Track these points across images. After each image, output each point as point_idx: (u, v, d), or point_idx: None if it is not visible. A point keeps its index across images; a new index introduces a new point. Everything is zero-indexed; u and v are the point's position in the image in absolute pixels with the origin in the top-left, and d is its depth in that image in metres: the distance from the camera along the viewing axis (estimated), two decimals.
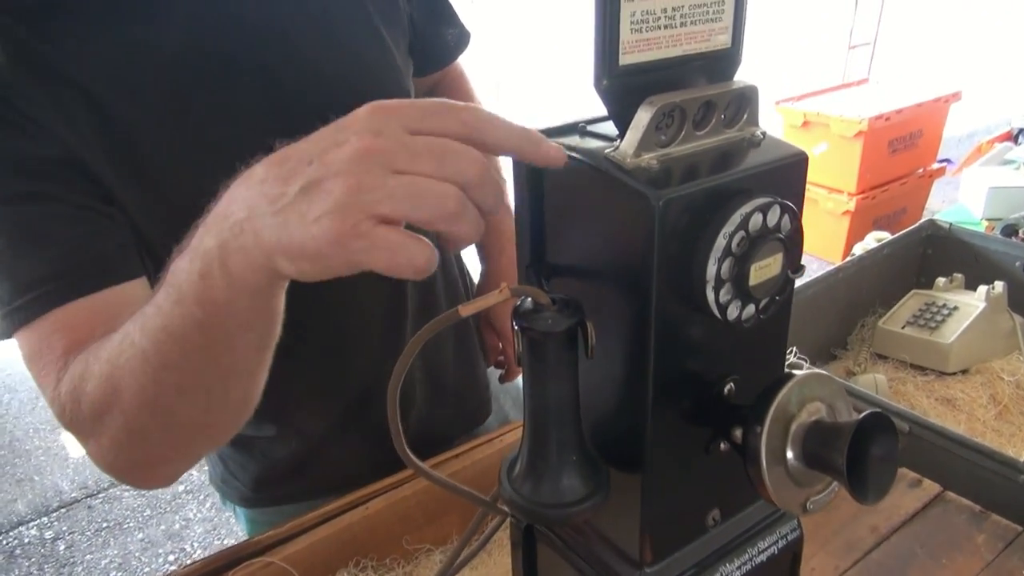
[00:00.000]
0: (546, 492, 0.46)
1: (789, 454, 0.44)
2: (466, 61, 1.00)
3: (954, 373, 1.14)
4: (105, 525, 2.32)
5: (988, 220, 1.83)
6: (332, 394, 0.84)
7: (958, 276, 1.27)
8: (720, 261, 0.42)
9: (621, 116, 0.43)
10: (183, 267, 0.46)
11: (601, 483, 0.47)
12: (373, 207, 0.38)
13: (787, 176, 0.46)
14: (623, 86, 0.42)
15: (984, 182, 1.89)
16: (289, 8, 0.72)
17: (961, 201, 2.00)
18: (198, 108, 0.67)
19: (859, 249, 1.73)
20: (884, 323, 1.23)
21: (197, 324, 0.47)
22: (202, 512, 2.34)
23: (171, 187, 0.67)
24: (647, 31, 0.42)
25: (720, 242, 0.42)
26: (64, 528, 2.32)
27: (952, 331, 1.15)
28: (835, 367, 1.24)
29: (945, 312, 1.19)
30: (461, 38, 0.95)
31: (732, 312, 0.44)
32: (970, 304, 1.18)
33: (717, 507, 0.52)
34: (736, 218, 0.42)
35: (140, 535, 2.28)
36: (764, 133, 0.47)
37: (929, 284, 1.32)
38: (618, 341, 0.46)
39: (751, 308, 0.45)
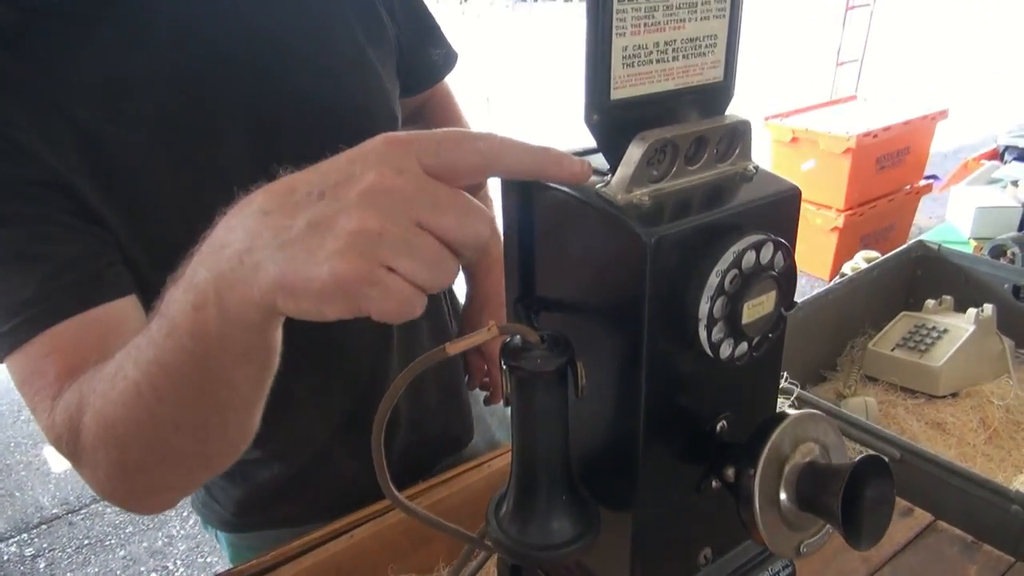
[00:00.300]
0: (534, 533, 0.45)
1: (782, 496, 0.43)
2: (456, 76, 1.00)
3: (944, 396, 1.14)
4: (87, 542, 2.28)
5: (976, 239, 1.84)
6: (316, 417, 0.82)
7: (947, 298, 1.27)
8: (713, 299, 0.41)
9: (612, 150, 0.43)
10: (177, 297, 0.44)
11: (591, 523, 0.46)
12: (390, 259, 0.36)
13: (780, 211, 0.46)
14: (614, 121, 0.42)
15: (971, 201, 1.90)
16: (282, 23, 0.71)
17: (949, 220, 2.00)
18: (186, 129, 0.66)
19: (848, 268, 1.74)
20: (874, 345, 1.22)
21: (190, 357, 0.45)
22: (185, 529, 2.31)
23: (159, 207, 0.66)
24: (639, 65, 0.42)
25: (713, 280, 0.41)
26: (44, 545, 2.28)
27: (942, 354, 1.14)
28: (825, 389, 1.24)
29: (935, 335, 1.19)
30: (448, 58, 0.95)
31: (724, 351, 0.43)
32: (960, 327, 1.18)
33: (708, 545, 0.51)
34: (729, 256, 0.41)
35: (122, 552, 2.24)
36: (756, 167, 0.46)
37: (918, 305, 1.32)
38: (609, 378, 0.45)
39: (744, 346, 0.44)
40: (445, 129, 0.39)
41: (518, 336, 0.42)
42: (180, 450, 0.54)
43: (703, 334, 0.42)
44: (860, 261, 1.74)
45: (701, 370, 0.45)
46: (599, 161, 0.45)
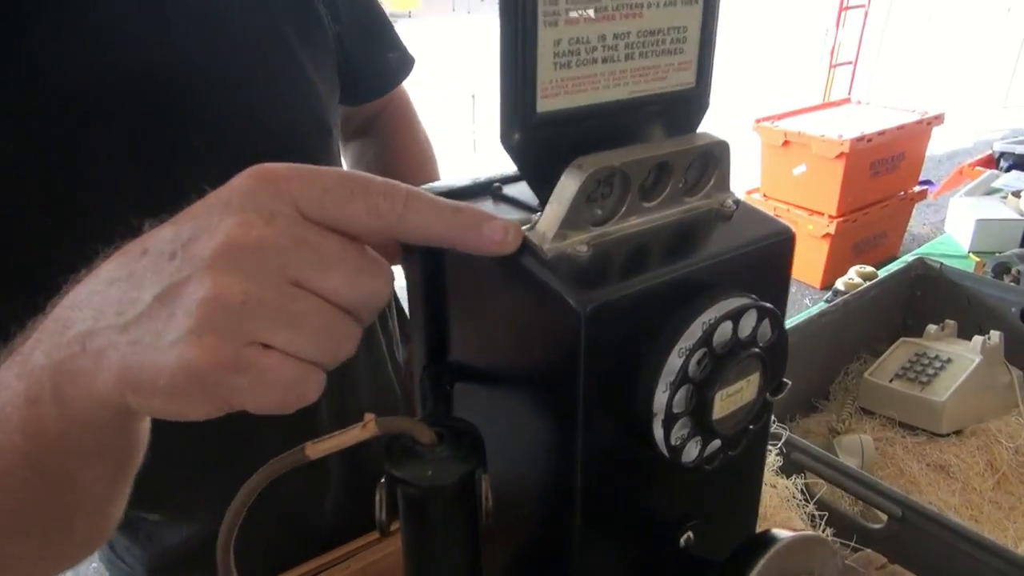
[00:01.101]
0: None
1: None
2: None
3: (947, 435, 1.04)
4: None
5: (976, 254, 1.74)
6: (227, 478, 0.70)
7: (950, 323, 1.17)
8: (673, 388, 0.30)
9: (540, 181, 0.31)
10: (9, 382, 0.34)
11: None
12: (261, 333, 0.27)
13: (767, 262, 0.34)
14: (542, 141, 0.31)
15: (971, 213, 1.80)
16: (191, 26, 0.59)
17: (948, 231, 1.90)
18: (53, 142, 0.55)
19: (841, 284, 1.63)
20: (870, 375, 1.12)
21: (22, 457, 0.35)
22: None
23: (15, 224, 0.54)
24: (577, 66, 0.31)
25: (673, 362, 0.30)
26: None
27: (945, 387, 1.04)
28: (817, 421, 1.13)
29: (937, 365, 1.08)
30: (404, 62, 0.85)
31: (689, 452, 0.32)
32: (964, 356, 1.08)
33: None
34: (696, 329, 0.30)
35: (71, 575, 2.13)
36: (737, 202, 0.35)
37: (918, 327, 1.21)
38: (537, 477, 0.34)
39: (716, 444, 0.33)
40: (340, 172, 0.29)
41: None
42: (8, 555, 0.42)
43: (659, 433, 0.31)
44: (854, 276, 1.64)
45: (658, 468, 0.34)
46: (528, 193, 0.34)
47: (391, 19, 0.83)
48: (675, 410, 0.30)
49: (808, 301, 3.25)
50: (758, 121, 3.40)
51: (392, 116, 0.90)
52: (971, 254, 1.75)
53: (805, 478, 0.82)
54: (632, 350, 0.30)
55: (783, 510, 0.75)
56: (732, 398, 0.31)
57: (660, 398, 0.30)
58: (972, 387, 1.05)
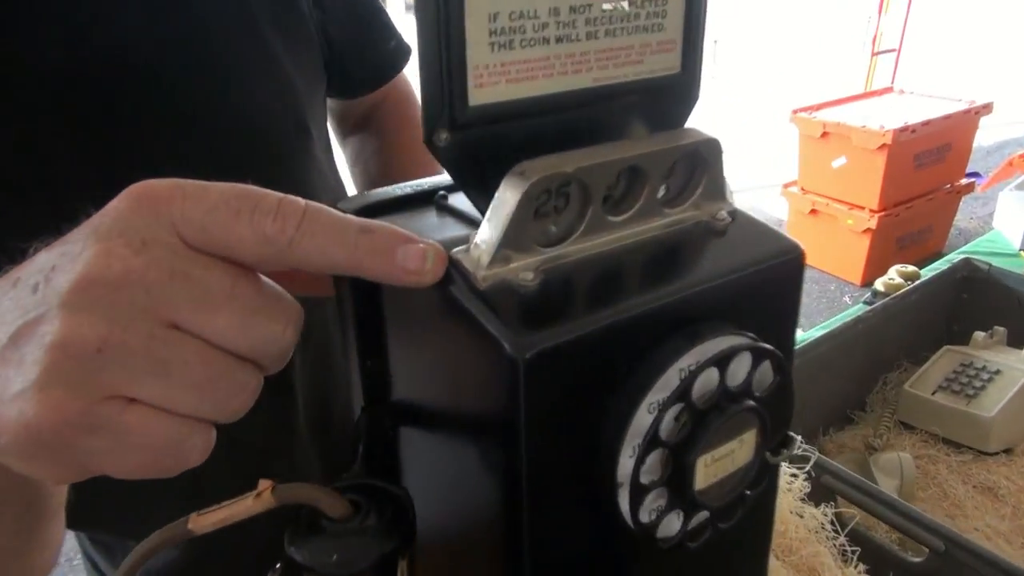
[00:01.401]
0: None
1: None
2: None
3: (995, 453, 0.95)
4: None
5: None
6: (206, 493, 0.66)
7: (1000, 330, 1.08)
8: (641, 452, 0.24)
9: (480, 191, 0.25)
10: None
11: None
12: (124, 384, 0.23)
13: (770, 289, 0.28)
14: (478, 142, 0.25)
15: (1022, 208, 1.69)
16: (154, 17, 0.54)
17: (996, 227, 1.79)
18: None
19: (880, 284, 1.53)
20: (911, 386, 1.03)
21: None
22: None
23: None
24: (522, 46, 0.24)
25: (642, 421, 0.24)
26: None
27: (994, 402, 0.95)
28: (853, 435, 1.05)
29: (985, 377, 0.99)
30: (400, 52, 0.79)
31: (668, 527, 0.26)
32: (1015, 368, 0.99)
33: None
34: (672, 378, 0.24)
35: None
36: (733, 213, 0.29)
37: (963, 333, 1.12)
38: (483, 548, 0.28)
39: (702, 516, 0.26)
40: (229, 187, 0.24)
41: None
42: None
43: (625, 506, 0.24)
44: (895, 275, 1.54)
45: (634, 544, 0.28)
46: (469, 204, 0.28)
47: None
48: (644, 480, 0.24)
49: (848, 299, 3.13)
50: (795, 112, 3.27)
51: (392, 109, 0.85)
52: (1022, 252, 1.64)
53: (836, 506, 0.75)
54: (590, 405, 0.24)
55: (810, 543, 0.68)
56: (720, 463, 0.25)
57: (626, 464, 0.24)
58: (1023, 401, 0.96)
